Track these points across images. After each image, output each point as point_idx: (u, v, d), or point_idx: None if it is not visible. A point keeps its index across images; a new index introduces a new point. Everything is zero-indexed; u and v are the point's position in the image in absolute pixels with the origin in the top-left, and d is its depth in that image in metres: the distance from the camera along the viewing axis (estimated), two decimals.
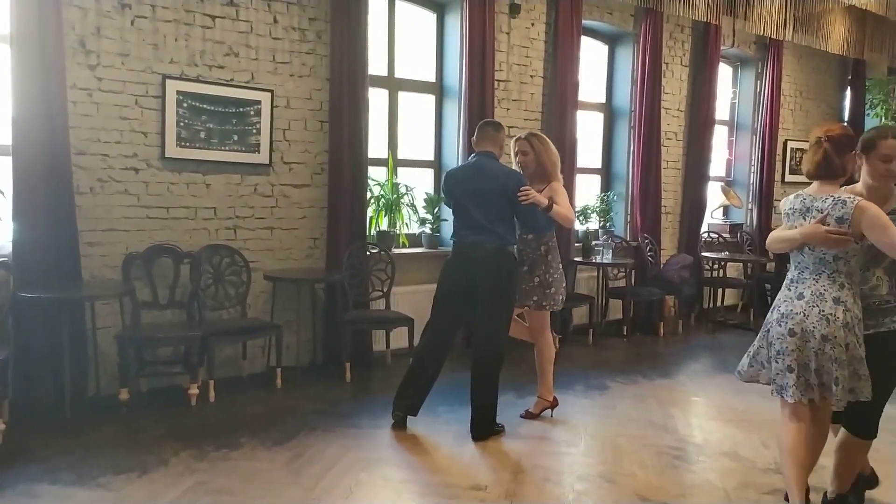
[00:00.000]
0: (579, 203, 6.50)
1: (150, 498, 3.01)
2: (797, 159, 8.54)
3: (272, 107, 4.82)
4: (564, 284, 4.28)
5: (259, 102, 4.76)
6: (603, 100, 6.98)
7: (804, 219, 2.74)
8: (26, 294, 3.75)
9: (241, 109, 4.71)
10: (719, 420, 4.29)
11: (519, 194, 3.80)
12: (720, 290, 7.31)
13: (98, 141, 4.27)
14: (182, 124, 4.50)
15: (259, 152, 4.81)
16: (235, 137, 4.71)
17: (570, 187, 6.23)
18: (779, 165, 8.24)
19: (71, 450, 3.48)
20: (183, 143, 4.53)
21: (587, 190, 6.86)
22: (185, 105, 4.50)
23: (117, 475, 3.21)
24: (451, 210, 4.03)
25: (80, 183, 4.20)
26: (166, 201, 4.53)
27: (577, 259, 6.24)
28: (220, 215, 4.73)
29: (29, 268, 3.95)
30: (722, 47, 7.27)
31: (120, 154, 4.34)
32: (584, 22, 6.23)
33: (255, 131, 4.78)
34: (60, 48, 4.01)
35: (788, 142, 8.37)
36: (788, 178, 8.40)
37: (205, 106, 4.58)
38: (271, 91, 4.81)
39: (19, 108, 3.89)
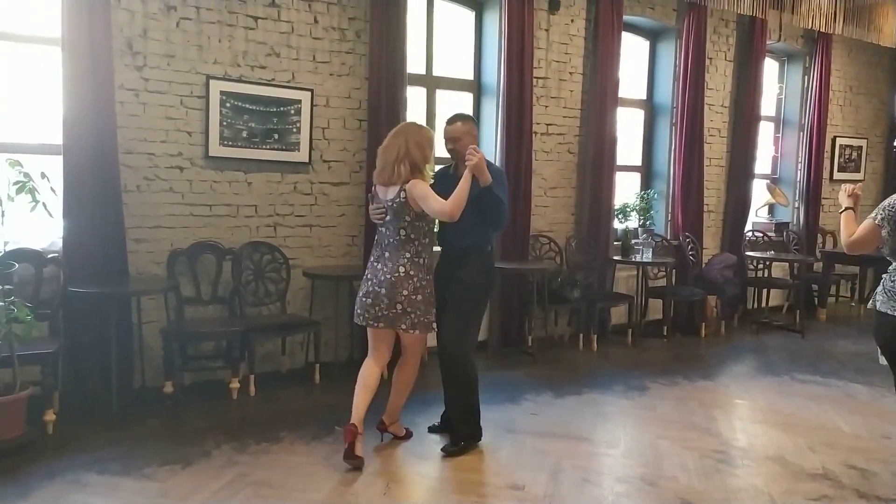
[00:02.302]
0: (619, 201, 6.40)
1: (193, 489, 3.07)
2: (846, 156, 8.28)
3: (312, 106, 4.87)
4: None
5: (299, 102, 4.82)
6: (644, 96, 6.87)
7: None
8: (76, 289, 3.87)
9: (281, 109, 4.77)
10: (764, 423, 4.18)
11: None
12: (765, 291, 7.12)
13: (144, 140, 4.38)
14: (225, 124, 4.58)
15: (299, 151, 4.86)
16: (276, 136, 4.78)
17: (609, 185, 6.16)
18: (827, 163, 7.99)
19: (118, 441, 3.57)
20: (226, 142, 4.61)
21: (627, 188, 6.76)
22: (227, 105, 4.58)
23: (161, 466, 3.29)
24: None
25: (127, 181, 4.31)
26: (209, 199, 4.62)
27: (615, 258, 6.16)
28: (261, 213, 4.80)
29: (78, 263, 4.07)
30: (768, 41, 7.09)
31: (165, 153, 4.45)
32: (625, 17, 6.14)
33: (295, 130, 4.83)
34: (108, 50, 4.12)
35: (837, 138, 8.11)
36: (837, 175, 8.14)
37: (247, 105, 4.65)
38: (311, 90, 4.86)
39: (70, 108, 4.01)
